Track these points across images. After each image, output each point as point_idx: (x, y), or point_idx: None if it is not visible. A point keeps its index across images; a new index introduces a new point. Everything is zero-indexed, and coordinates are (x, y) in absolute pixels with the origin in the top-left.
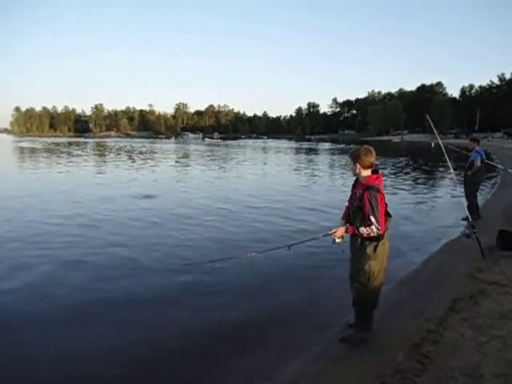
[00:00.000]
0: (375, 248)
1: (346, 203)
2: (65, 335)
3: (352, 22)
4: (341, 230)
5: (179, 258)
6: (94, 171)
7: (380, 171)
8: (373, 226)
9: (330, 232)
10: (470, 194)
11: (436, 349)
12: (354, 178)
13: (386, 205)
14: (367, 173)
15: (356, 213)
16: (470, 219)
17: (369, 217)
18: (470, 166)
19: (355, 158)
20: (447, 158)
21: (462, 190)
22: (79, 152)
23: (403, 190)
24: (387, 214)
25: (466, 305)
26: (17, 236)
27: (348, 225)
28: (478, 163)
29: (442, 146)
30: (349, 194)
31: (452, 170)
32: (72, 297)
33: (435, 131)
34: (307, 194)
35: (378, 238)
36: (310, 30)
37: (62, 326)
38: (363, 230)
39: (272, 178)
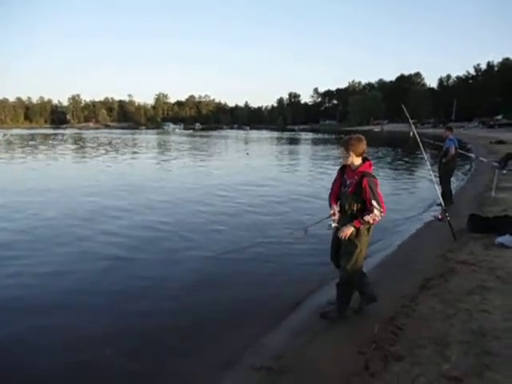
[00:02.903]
0: (368, 230)
1: (331, 189)
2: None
3: (332, 15)
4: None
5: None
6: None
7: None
8: (375, 211)
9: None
10: (444, 181)
11: (409, 321)
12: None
13: None
14: (359, 161)
15: (349, 198)
16: (443, 204)
17: (371, 201)
18: (445, 154)
19: (348, 147)
20: (422, 147)
21: (436, 176)
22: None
23: (380, 176)
24: None
25: (437, 282)
26: None
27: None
28: (453, 151)
29: (417, 136)
30: (332, 179)
31: (426, 158)
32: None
33: (411, 122)
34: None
35: None
36: (292, 22)
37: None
38: (368, 218)
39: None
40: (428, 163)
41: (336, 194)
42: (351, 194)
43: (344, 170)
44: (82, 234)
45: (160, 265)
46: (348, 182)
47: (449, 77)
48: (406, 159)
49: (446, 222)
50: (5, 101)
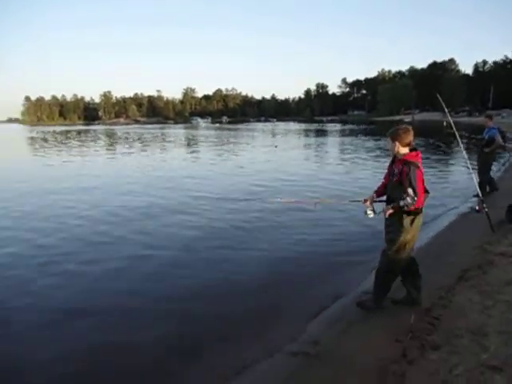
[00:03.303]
0: (412, 221)
1: (383, 180)
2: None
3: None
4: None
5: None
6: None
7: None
8: (408, 198)
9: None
10: (483, 171)
11: (445, 312)
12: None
13: (424, 181)
14: (405, 150)
15: (395, 187)
16: (481, 195)
17: (406, 188)
18: (487, 143)
19: (394, 137)
20: (458, 137)
21: (474, 167)
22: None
23: None
24: (426, 191)
25: (475, 274)
26: None
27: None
28: (500, 140)
29: (453, 126)
30: (385, 171)
31: (463, 149)
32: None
33: (446, 111)
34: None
35: (416, 212)
36: (318, 10)
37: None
38: (402, 203)
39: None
40: (464, 153)
41: (384, 185)
42: (397, 183)
43: (394, 160)
44: (123, 234)
45: (207, 263)
46: (395, 172)
47: (485, 62)
48: (441, 149)
49: (484, 213)
50: (41, 99)
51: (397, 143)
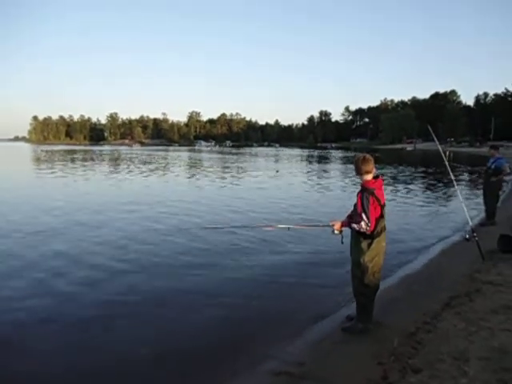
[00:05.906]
0: (369, 245)
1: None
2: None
3: (364, 29)
4: (338, 223)
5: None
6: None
7: (380, 176)
8: (362, 223)
9: (330, 223)
10: (491, 200)
11: (429, 337)
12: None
13: (382, 207)
14: (367, 177)
15: (354, 210)
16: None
17: (360, 214)
18: (495, 173)
19: (356, 165)
20: (448, 167)
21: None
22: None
23: (413, 196)
24: (382, 216)
25: (461, 301)
26: None
27: (341, 220)
28: (507, 168)
29: (444, 158)
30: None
31: (453, 179)
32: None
33: (436, 141)
34: None
35: (372, 236)
36: (322, 38)
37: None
38: (354, 225)
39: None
40: (455, 183)
41: None
42: (354, 207)
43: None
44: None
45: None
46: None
47: (486, 94)
48: (440, 178)
49: (474, 242)
50: (48, 119)
51: (359, 171)
